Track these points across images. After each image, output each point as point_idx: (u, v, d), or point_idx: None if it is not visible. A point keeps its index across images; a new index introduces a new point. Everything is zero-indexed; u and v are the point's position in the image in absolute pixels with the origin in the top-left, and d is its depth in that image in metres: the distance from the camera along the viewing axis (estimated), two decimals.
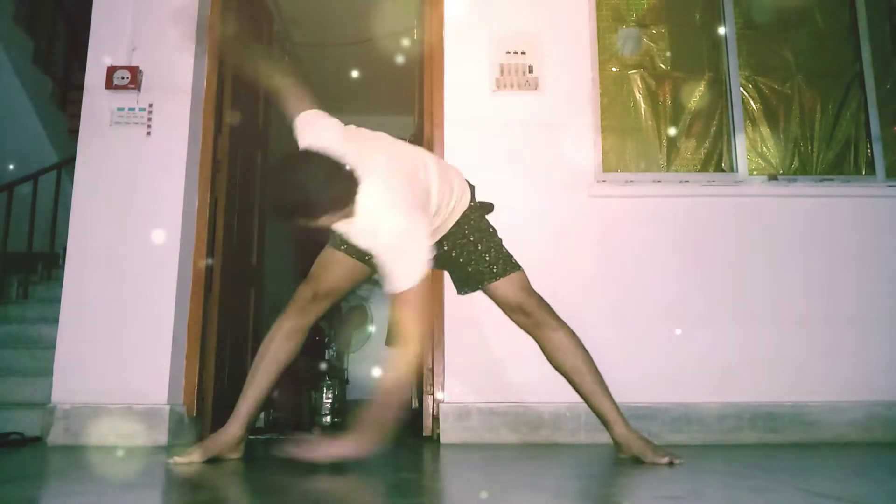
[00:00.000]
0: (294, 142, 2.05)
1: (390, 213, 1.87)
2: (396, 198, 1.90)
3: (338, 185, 1.82)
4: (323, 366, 4.77)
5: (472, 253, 2.20)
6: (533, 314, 2.20)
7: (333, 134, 1.99)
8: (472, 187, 2.26)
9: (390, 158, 1.98)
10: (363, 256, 2.20)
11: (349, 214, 1.90)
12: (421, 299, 1.86)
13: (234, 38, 2.24)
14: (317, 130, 2.00)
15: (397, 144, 2.08)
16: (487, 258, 2.20)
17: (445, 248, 2.21)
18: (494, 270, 2.20)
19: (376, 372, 5.94)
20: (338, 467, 1.97)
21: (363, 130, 2.06)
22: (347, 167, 1.84)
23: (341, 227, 1.96)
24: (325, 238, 2.25)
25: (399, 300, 1.86)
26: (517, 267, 2.24)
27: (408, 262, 1.85)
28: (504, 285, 2.21)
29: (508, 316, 2.25)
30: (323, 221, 1.86)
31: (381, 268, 1.92)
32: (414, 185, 1.97)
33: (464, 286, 2.30)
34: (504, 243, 2.27)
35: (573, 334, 2.22)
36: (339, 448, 1.88)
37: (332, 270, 2.21)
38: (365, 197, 1.87)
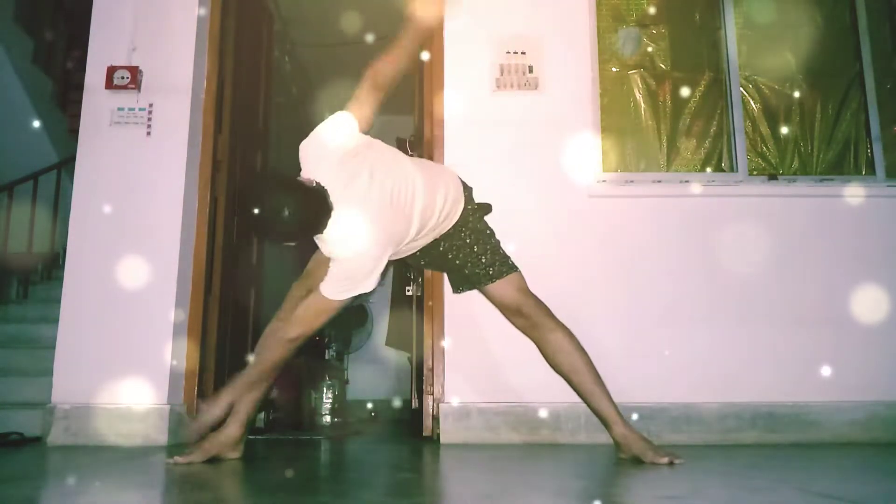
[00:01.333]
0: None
1: (353, 241, 1.97)
2: (366, 230, 1.96)
3: (311, 215, 1.96)
4: (322, 364, 4.77)
5: (468, 255, 2.21)
6: (530, 316, 2.21)
7: (332, 159, 2.02)
8: (469, 188, 2.26)
9: (375, 190, 2.00)
10: None
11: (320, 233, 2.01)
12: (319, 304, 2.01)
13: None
14: (326, 143, 2.04)
15: (390, 167, 2.07)
16: (484, 260, 2.20)
17: (442, 248, 2.21)
18: (491, 273, 2.20)
19: (384, 370, 5.95)
20: (338, 467, 1.96)
21: (367, 149, 2.07)
22: (323, 198, 1.95)
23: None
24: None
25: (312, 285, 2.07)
26: (514, 268, 2.24)
27: (346, 283, 1.97)
28: (501, 287, 2.21)
29: (506, 317, 2.26)
30: (295, 241, 2.04)
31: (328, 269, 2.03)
32: (390, 219, 2.01)
33: (460, 285, 2.31)
34: (502, 244, 2.27)
35: (571, 335, 2.22)
36: None
37: (324, 269, 2.21)
38: (338, 221, 1.97)
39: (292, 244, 2.09)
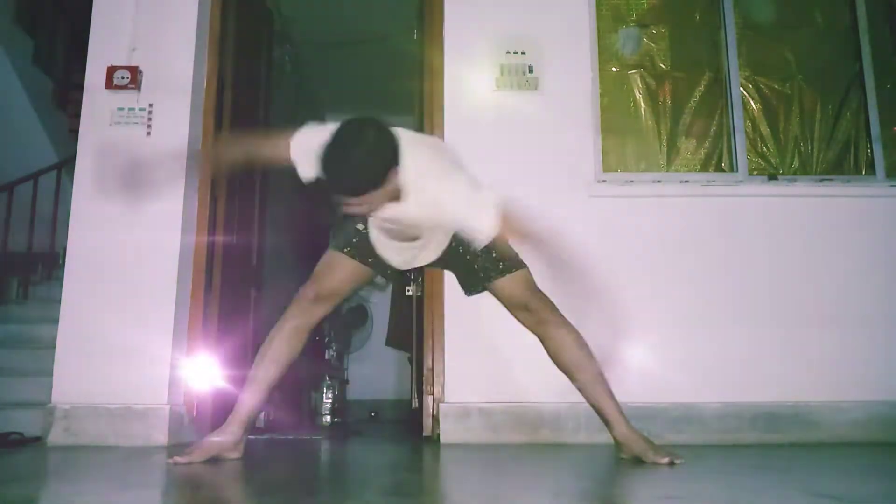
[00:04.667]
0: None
1: (446, 180, 1.89)
2: (443, 157, 1.93)
3: (391, 142, 1.80)
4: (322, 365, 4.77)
5: (479, 249, 2.21)
6: (537, 311, 2.21)
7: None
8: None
9: (420, 136, 2.02)
10: (366, 259, 2.21)
11: (397, 194, 1.87)
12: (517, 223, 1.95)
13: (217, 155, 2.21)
14: (320, 131, 1.95)
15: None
16: (494, 254, 2.21)
17: (454, 244, 2.22)
18: (501, 267, 2.21)
19: (384, 370, 5.95)
20: (338, 467, 1.96)
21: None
22: (391, 141, 1.81)
23: (394, 209, 1.92)
24: (324, 237, 2.26)
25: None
26: (523, 264, 2.25)
27: (484, 208, 1.88)
28: (510, 282, 2.22)
29: (512, 313, 2.26)
30: (374, 199, 1.83)
31: (462, 229, 1.94)
32: (449, 155, 2.02)
33: (471, 286, 2.30)
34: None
35: (576, 332, 2.22)
36: None
37: (335, 272, 2.22)
38: (416, 170, 1.85)
39: (373, 203, 1.86)
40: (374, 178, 1.78)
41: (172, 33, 3.11)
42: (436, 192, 1.90)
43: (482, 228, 1.89)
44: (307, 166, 1.91)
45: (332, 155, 1.74)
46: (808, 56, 3.48)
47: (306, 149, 1.91)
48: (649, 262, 3.08)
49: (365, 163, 1.75)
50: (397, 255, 2.22)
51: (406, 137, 1.89)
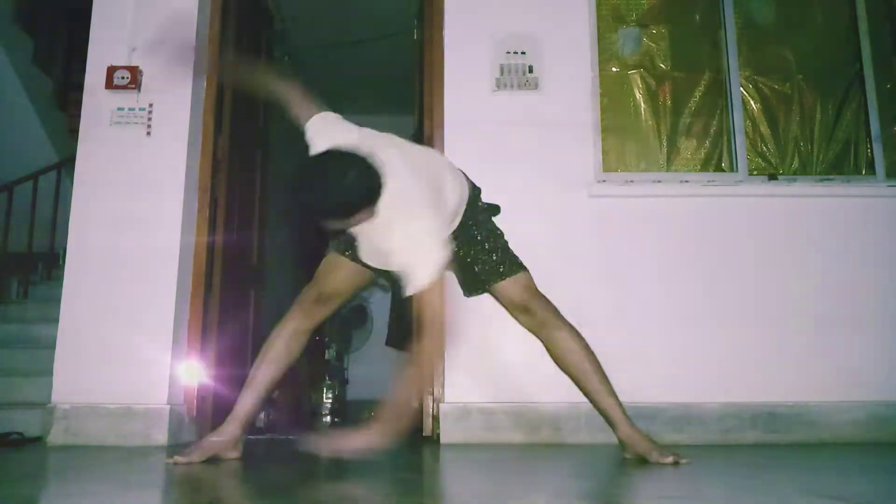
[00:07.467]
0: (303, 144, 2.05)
1: (408, 213, 1.87)
2: (413, 197, 1.90)
3: (370, 184, 1.80)
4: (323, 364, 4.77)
5: (479, 252, 2.22)
6: (538, 314, 2.22)
7: (353, 136, 1.99)
8: (478, 189, 2.28)
9: (406, 157, 1.98)
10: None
11: (373, 214, 1.87)
12: (437, 296, 1.86)
13: (233, 60, 2.26)
14: (334, 132, 1.99)
15: (410, 144, 2.10)
16: (495, 258, 2.22)
17: (454, 248, 2.22)
18: (501, 270, 2.22)
19: (384, 370, 5.95)
20: (338, 467, 1.97)
21: (374, 131, 2.06)
22: (375, 165, 1.82)
23: (363, 227, 1.92)
24: (325, 239, 2.26)
25: (418, 299, 1.86)
26: (523, 267, 2.26)
27: (425, 260, 1.84)
28: (510, 285, 2.22)
29: (513, 316, 2.26)
30: (354, 221, 1.86)
31: (398, 268, 1.90)
32: (428, 184, 1.98)
33: (471, 288, 2.31)
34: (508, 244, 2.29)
35: (578, 334, 2.23)
36: (359, 441, 1.83)
37: (336, 274, 2.22)
38: (386, 196, 1.84)
39: (353, 224, 1.87)
40: (341, 216, 1.82)
41: (172, 33, 3.10)
42: (391, 232, 1.88)
43: (413, 282, 1.84)
44: (321, 141, 1.96)
45: (309, 183, 1.78)
46: (808, 56, 3.48)
47: (326, 131, 1.99)
48: (649, 262, 3.08)
49: (336, 201, 1.78)
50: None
51: (392, 164, 1.87)
